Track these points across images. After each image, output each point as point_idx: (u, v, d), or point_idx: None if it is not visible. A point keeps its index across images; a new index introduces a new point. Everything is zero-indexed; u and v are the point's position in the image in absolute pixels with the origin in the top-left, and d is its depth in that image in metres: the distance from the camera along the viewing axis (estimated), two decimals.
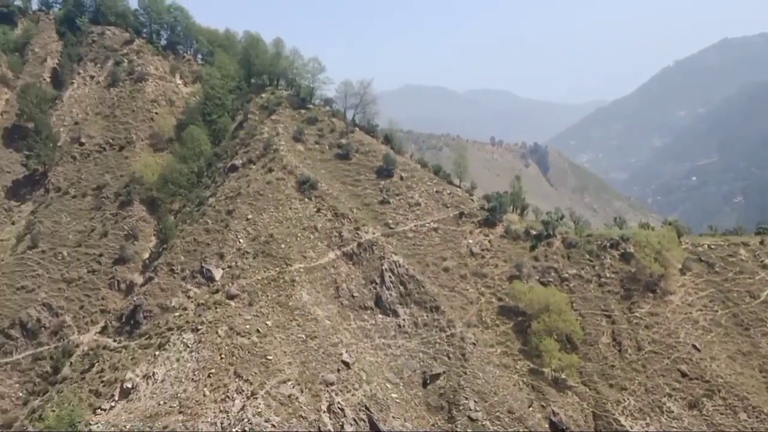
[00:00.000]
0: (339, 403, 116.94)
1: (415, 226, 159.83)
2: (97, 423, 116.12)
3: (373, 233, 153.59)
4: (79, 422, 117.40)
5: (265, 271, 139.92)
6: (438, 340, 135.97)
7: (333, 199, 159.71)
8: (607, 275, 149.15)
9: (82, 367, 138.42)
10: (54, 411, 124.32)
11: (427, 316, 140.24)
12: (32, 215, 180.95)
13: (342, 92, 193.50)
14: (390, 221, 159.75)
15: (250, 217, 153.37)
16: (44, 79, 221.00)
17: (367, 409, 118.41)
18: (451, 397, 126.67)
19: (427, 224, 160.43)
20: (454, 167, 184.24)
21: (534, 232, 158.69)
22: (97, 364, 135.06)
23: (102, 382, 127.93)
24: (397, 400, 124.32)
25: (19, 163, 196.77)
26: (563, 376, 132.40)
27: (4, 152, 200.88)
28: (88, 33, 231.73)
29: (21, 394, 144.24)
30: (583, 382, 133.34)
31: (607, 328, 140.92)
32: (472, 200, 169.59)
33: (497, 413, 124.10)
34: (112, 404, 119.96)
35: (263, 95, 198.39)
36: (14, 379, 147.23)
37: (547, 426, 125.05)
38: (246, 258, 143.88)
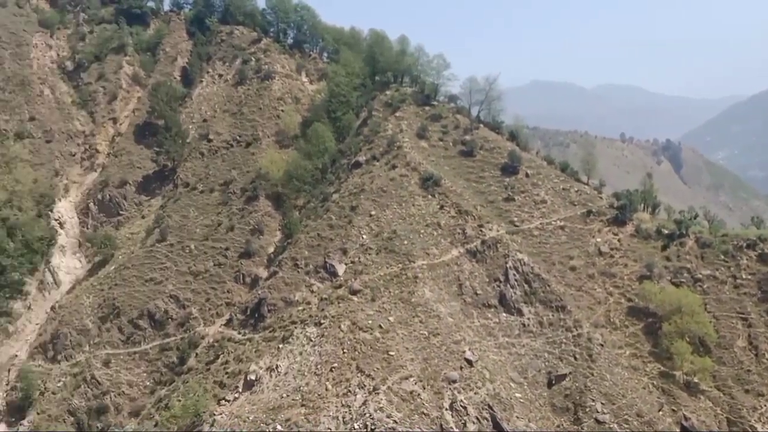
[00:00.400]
0: (461, 401, 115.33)
1: (540, 224, 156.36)
2: (221, 414, 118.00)
3: (498, 231, 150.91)
4: (204, 412, 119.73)
5: (387, 267, 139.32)
6: (564, 340, 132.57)
7: (456, 196, 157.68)
8: (744, 276, 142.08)
9: (207, 358, 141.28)
10: (180, 401, 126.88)
11: (553, 315, 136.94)
12: (161, 209, 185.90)
13: (467, 89, 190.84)
14: (515, 219, 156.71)
15: (373, 213, 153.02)
16: (174, 78, 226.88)
17: (491, 408, 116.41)
18: (577, 398, 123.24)
19: (553, 222, 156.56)
20: (582, 164, 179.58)
21: (666, 232, 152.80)
22: (222, 355, 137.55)
23: (226, 373, 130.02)
24: (521, 400, 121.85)
25: (149, 159, 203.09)
26: (695, 379, 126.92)
27: (136, 148, 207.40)
28: (217, 32, 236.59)
29: (148, 383, 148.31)
30: (717, 387, 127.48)
31: (743, 331, 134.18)
32: (601, 198, 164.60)
33: (625, 416, 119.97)
34: (236, 395, 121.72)
35: (387, 92, 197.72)
36: (142, 368, 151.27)
37: (678, 430, 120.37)
38: (369, 254, 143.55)
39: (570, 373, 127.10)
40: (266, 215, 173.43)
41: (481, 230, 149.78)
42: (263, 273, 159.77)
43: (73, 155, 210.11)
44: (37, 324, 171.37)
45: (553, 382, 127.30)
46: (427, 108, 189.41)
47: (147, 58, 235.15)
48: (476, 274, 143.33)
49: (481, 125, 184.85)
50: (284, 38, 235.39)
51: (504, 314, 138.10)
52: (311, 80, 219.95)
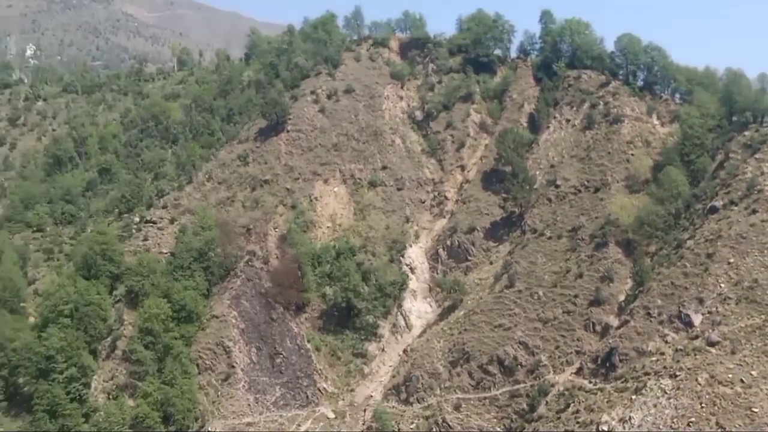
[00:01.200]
0: None
1: None
2: None
3: None
4: None
5: (748, 318, 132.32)
6: None
7: None
8: None
9: (557, 406, 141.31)
10: None
11: None
12: (509, 255, 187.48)
13: None
14: None
15: (731, 260, 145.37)
16: (521, 124, 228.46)
17: None
18: None
19: None
20: None
21: None
22: (572, 404, 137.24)
23: (577, 423, 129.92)
24: None
25: (497, 205, 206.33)
26: None
27: (483, 195, 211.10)
28: (564, 77, 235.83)
29: (498, 429, 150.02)
30: None
31: None
32: None
33: None
34: None
35: (746, 133, 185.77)
36: (492, 414, 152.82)
37: None
38: (727, 304, 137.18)
39: None
40: (616, 262, 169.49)
41: None
42: (614, 321, 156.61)
43: (423, 202, 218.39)
44: (390, 366, 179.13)
45: None
46: None
47: (494, 105, 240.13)
48: None
49: None
50: (634, 80, 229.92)
51: None
52: (662, 123, 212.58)
